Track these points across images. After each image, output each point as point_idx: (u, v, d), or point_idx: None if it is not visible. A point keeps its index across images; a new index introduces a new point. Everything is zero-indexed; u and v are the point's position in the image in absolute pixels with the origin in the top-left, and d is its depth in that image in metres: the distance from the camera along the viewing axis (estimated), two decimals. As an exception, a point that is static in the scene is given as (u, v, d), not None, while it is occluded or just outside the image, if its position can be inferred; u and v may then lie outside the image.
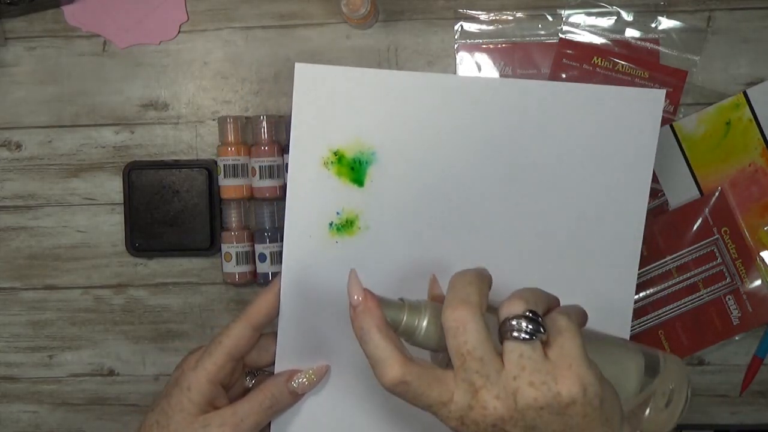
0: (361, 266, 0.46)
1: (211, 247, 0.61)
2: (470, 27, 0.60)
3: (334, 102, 0.47)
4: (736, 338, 0.59)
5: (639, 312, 0.59)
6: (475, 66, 0.60)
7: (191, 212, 0.61)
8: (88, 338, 0.64)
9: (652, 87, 0.58)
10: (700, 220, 0.59)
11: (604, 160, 0.48)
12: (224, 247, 0.60)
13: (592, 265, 0.49)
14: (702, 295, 0.59)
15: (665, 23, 0.59)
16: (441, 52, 0.61)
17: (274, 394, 0.46)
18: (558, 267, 0.49)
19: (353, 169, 0.47)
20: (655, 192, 0.59)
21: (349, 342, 0.47)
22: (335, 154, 0.47)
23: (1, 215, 0.64)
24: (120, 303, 0.63)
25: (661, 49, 0.59)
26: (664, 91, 0.49)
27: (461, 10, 0.60)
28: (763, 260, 0.58)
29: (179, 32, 0.62)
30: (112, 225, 0.63)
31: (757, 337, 0.60)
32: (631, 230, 0.49)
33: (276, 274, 0.52)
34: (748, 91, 0.58)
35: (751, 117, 0.58)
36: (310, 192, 0.47)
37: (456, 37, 0.60)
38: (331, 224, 0.47)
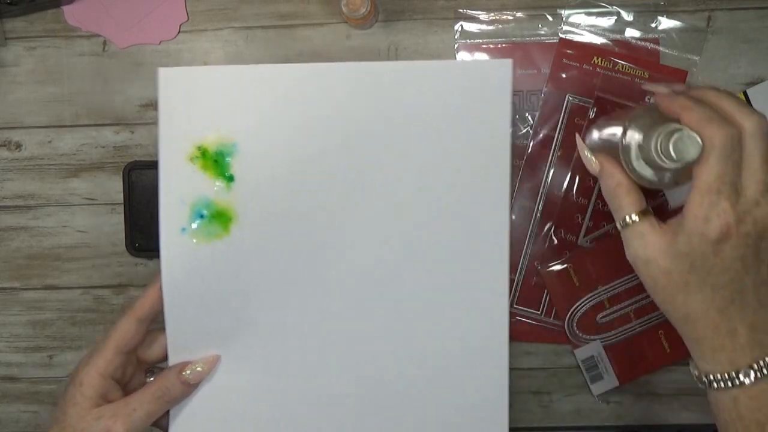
0: (236, 255, 0.49)
1: (211, 247, 0.61)
2: (470, 27, 0.60)
3: (196, 100, 0.49)
4: (736, 338, 0.59)
5: (640, 311, 0.59)
6: (475, 66, 0.60)
7: (191, 212, 0.61)
8: (88, 338, 0.64)
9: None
10: (700, 220, 0.59)
11: (461, 134, 0.49)
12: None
13: (460, 245, 0.50)
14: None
15: (665, 23, 0.59)
16: (441, 52, 0.61)
17: (166, 385, 0.48)
18: (426, 239, 0.50)
19: (217, 162, 0.49)
20: (655, 192, 0.59)
21: (238, 330, 0.50)
22: (199, 149, 0.49)
23: (1, 215, 0.64)
24: (120, 303, 0.63)
25: (661, 49, 0.59)
26: (510, 61, 0.49)
27: (461, 10, 0.60)
28: (763, 260, 0.58)
29: (179, 32, 0.62)
30: (112, 225, 0.63)
31: (757, 337, 0.60)
32: (497, 200, 0.50)
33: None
34: (748, 91, 0.58)
35: (751, 117, 0.58)
36: (179, 188, 0.49)
37: (456, 37, 0.60)
38: (203, 216, 0.49)
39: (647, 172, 0.45)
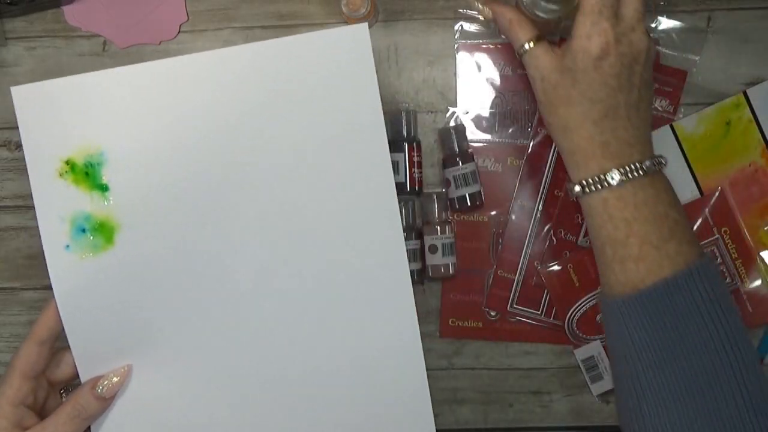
0: (126, 265, 0.48)
1: (210, 247, 0.61)
2: (470, 27, 0.60)
3: (56, 114, 0.48)
4: (736, 338, 0.59)
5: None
6: (475, 66, 0.60)
7: (191, 212, 0.61)
8: (88, 338, 0.64)
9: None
10: (700, 220, 0.59)
11: (333, 106, 0.49)
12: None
13: (351, 222, 0.50)
14: (702, 295, 0.59)
15: (665, 23, 0.59)
16: (441, 52, 0.61)
17: (81, 403, 0.48)
18: (315, 224, 0.50)
19: (88, 174, 0.48)
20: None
21: (143, 338, 0.49)
22: (66, 163, 0.49)
23: (1, 215, 0.64)
24: (120, 303, 0.63)
25: (661, 49, 0.59)
26: (365, 24, 0.49)
27: (461, 10, 0.60)
28: (763, 260, 0.58)
29: (179, 32, 0.62)
30: (112, 225, 0.63)
31: (757, 337, 0.60)
32: (379, 169, 0.49)
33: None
34: (748, 91, 0.58)
35: (751, 117, 0.58)
36: (55, 205, 0.48)
37: (456, 37, 0.60)
38: (84, 230, 0.49)
39: (540, 9, 0.52)
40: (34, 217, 0.63)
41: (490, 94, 0.60)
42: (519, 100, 0.60)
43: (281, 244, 0.49)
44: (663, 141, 0.59)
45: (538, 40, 0.49)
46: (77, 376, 0.51)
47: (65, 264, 0.48)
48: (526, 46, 0.49)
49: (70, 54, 0.62)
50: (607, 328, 0.48)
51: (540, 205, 0.59)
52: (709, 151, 0.59)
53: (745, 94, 0.58)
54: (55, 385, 0.51)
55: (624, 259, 0.46)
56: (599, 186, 0.47)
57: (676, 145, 0.59)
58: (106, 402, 0.49)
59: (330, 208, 0.49)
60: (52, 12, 0.62)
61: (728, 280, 0.58)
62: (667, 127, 0.59)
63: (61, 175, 0.48)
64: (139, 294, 0.49)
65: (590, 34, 0.46)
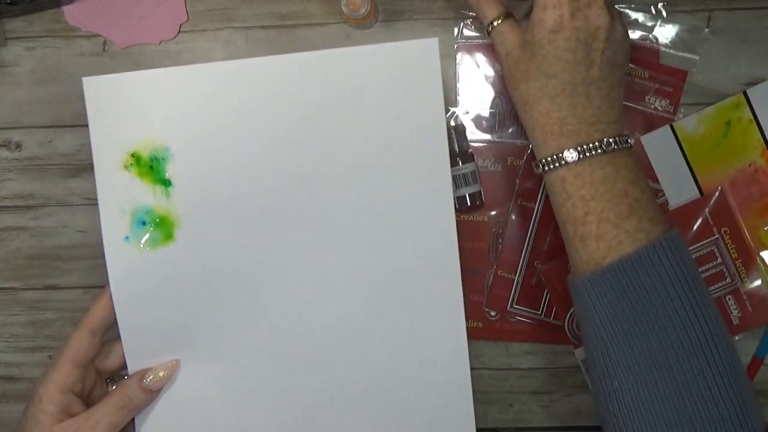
0: (184, 260, 0.48)
1: (211, 247, 0.61)
2: (470, 27, 0.60)
3: (125, 107, 0.49)
4: (736, 338, 0.59)
5: (639, 312, 0.59)
6: (475, 66, 0.60)
7: (191, 212, 0.61)
8: (88, 338, 0.64)
9: (652, 86, 0.58)
10: (700, 220, 0.59)
11: (397, 116, 0.49)
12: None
13: (408, 228, 0.50)
14: (702, 295, 0.59)
15: (665, 23, 0.59)
16: (441, 52, 0.60)
17: (128, 394, 0.48)
18: (374, 227, 0.50)
19: (152, 167, 0.49)
20: (655, 192, 0.59)
21: (195, 334, 0.50)
22: (132, 155, 0.49)
23: (1, 215, 0.64)
24: (120, 303, 0.63)
25: (661, 49, 0.59)
26: (436, 39, 0.50)
27: (461, 11, 0.60)
28: (763, 260, 0.58)
29: (179, 32, 0.62)
30: (112, 225, 0.63)
31: (757, 337, 0.60)
32: (439, 182, 0.50)
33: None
34: (748, 91, 0.58)
35: (751, 117, 0.58)
36: (117, 197, 0.49)
37: (456, 37, 0.60)
38: (144, 223, 0.49)
39: None
40: (35, 217, 0.63)
41: (490, 94, 0.60)
42: (519, 100, 0.60)
43: (337, 247, 0.50)
44: (663, 141, 0.59)
45: (505, 17, 0.50)
46: (125, 367, 0.51)
47: (123, 255, 0.49)
48: (495, 23, 0.50)
49: (70, 54, 0.62)
50: (576, 308, 0.48)
51: (540, 205, 0.59)
52: (709, 151, 0.59)
53: (745, 94, 0.58)
54: (103, 374, 0.51)
55: (584, 237, 0.46)
56: (557, 164, 0.47)
57: (676, 145, 0.59)
58: (152, 395, 0.49)
59: (387, 215, 0.50)
60: (52, 12, 0.62)
61: (728, 280, 0.58)
62: (667, 127, 0.59)
63: (125, 167, 0.49)
64: (193, 290, 0.49)
65: (546, 5, 0.47)
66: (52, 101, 0.62)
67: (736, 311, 0.59)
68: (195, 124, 0.49)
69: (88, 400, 0.49)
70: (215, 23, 0.62)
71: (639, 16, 0.59)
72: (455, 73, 0.60)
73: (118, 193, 0.49)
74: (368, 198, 0.50)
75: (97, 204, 0.62)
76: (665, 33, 0.59)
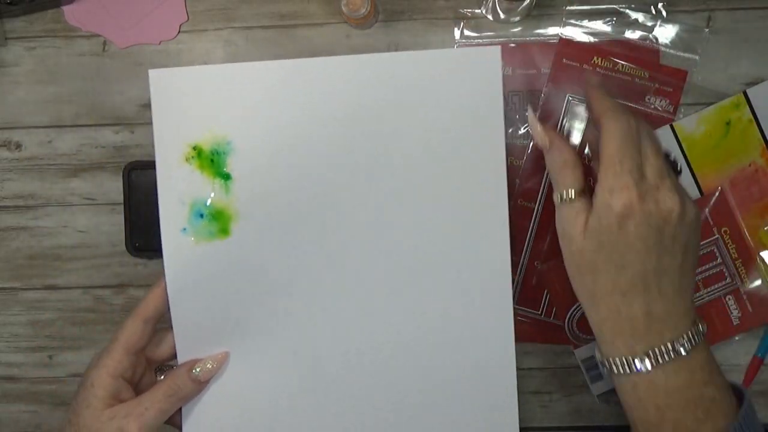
0: (239, 254, 0.49)
1: (211, 247, 0.61)
2: (470, 27, 0.60)
3: (188, 100, 0.49)
4: (736, 338, 0.59)
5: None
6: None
7: (191, 212, 0.61)
8: (88, 338, 0.64)
9: (652, 86, 0.58)
10: (700, 220, 0.59)
11: (455, 122, 0.49)
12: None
13: (461, 233, 0.50)
14: (702, 295, 0.59)
15: (665, 23, 0.59)
16: (441, 52, 0.61)
17: (177, 383, 0.49)
18: (427, 227, 0.50)
19: (213, 161, 0.49)
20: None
21: (245, 327, 0.50)
22: (194, 148, 0.49)
23: (1, 215, 0.64)
24: (120, 303, 0.63)
25: (661, 49, 0.59)
26: (498, 48, 0.50)
27: (461, 10, 0.60)
28: (763, 260, 0.58)
29: (179, 32, 0.62)
30: (112, 225, 0.63)
31: (757, 337, 0.60)
32: (495, 195, 0.50)
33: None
34: (748, 91, 0.58)
35: (751, 117, 0.58)
36: (177, 188, 0.49)
37: (456, 36, 0.60)
38: (202, 215, 0.50)
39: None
40: (35, 217, 0.63)
41: (490, 94, 0.60)
42: (519, 100, 0.60)
43: (390, 247, 0.50)
44: (663, 141, 0.59)
45: (582, 193, 0.46)
46: (174, 357, 0.51)
47: (179, 246, 0.49)
48: (567, 194, 0.46)
49: (70, 54, 0.62)
50: None
51: (540, 205, 0.59)
52: (709, 151, 0.59)
53: (745, 94, 0.58)
54: (152, 363, 0.52)
55: None
56: (628, 370, 0.44)
57: (676, 145, 0.59)
58: (200, 385, 0.50)
59: (440, 218, 0.50)
60: (52, 12, 0.62)
61: (728, 280, 0.58)
62: (667, 127, 0.59)
63: (187, 159, 0.49)
64: (245, 285, 0.50)
65: (612, 187, 0.43)
66: (52, 101, 0.62)
67: (736, 311, 0.59)
68: (258, 120, 0.49)
69: (137, 388, 0.50)
70: (215, 23, 0.62)
71: (639, 16, 0.59)
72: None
73: (177, 185, 0.49)
74: (423, 201, 0.50)
75: (96, 204, 0.63)
76: (665, 33, 0.59)
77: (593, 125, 0.47)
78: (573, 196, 0.45)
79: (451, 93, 0.49)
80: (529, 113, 0.49)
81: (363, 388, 0.51)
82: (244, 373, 0.51)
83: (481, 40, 0.60)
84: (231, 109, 0.49)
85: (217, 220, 0.49)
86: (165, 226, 0.50)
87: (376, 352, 0.51)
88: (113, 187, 0.62)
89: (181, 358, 0.51)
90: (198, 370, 0.50)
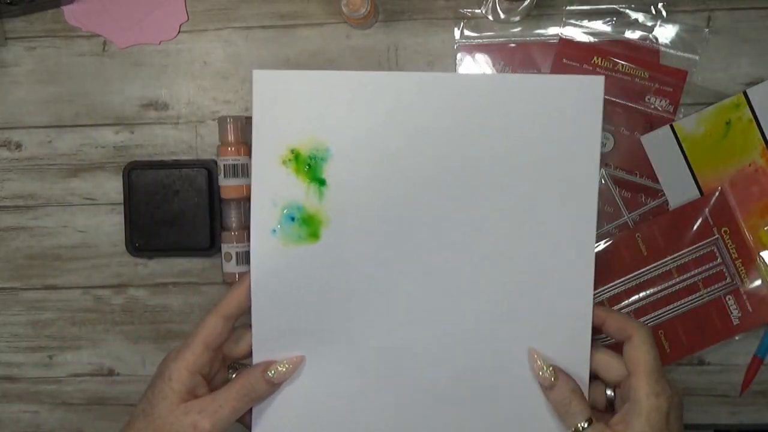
0: (325, 260, 0.49)
1: (211, 247, 0.61)
2: (470, 27, 0.60)
3: (290, 103, 0.49)
4: (736, 338, 0.59)
5: (639, 312, 0.59)
6: (475, 66, 0.60)
7: (191, 212, 0.61)
8: (88, 338, 0.64)
9: (652, 86, 0.58)
10: (700, 220, 0.59)
11: (551, 149, 0.50)
12: (224, 247, 0.60)
13: (546, 261, 0.50)
14: (702, 295, 0.59)
15: (665, 23, 0.59)
16: (441, 52, 0.61)
17: (251, 383, 0.49)
18: (514, 247, 0.50)
19: (310, 166, 0.49)
20: (655, 192, 0.59)
21: (324, 333, 0.50)
22: (292, 152, 0.49)
23: (1, 215, 0.64)
24: (120, 303, 0.63)
25: (661, 49, 0.59)
26: (602, 78, 0.49)
27: (461, 10, 0.60)
28: (763, 260, 0.58)
29: (179, 32, 0.62)
30: (112, 225, 0.63)
31: (757, 337, 0.60)
32: (583, 221, 0.50)
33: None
34: (748, 91, 0.58)
35: (751, 117, 0.58)
36: (271, 190, 0.49)
37: (456, 36, 0.60)
38: (293, 219, 0.49)
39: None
40: (35, 217, 0.63)
41: (490, 94, 0.60)
42: (519, 100, 0.60)
43: (476, 266, 0.50)
44: (663, 141, 0.59)
45: (593, 420, 0.47)
46: (249, 355, 0.51)
47: (268, 247, 0.49)
48: (581, 425, 0.47)
49: (70, 54, 0.62)
50: None
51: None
52: (709, 151, 0.59)
53: (745, 94, 0.58)
54: (228, 359, 0.52)
55: None
56: None
57: (676, 145, 0.59)
58: (274, 387, 0.50)
59: (526, 241, 0.50)
60: (52, 12, 0.62)
61: (728, 280, 0.58)
62: (667, 127, 0.59)
63: (284, 162, 0.49)
64: (329, 291, 0.50)
65: (658, 392, 0.46)
66: (52, 101, 0.62)
67: (736, 311, 0.59)
68: (358, 129, 0.49)
69: (210, 384, 0.50)
70: (215, 23, 0.62)
71: (639, 16, 0.59)
72: (456, 71, 0.60)
73: (272, 186, 0.49)
74: (511, 222, 0.50)
75: (96, 204, 0.63)
76: (665, 33, 0.59)
77: (618, 339, 0.49)
78: (586, 425, 0.47)
79: (550, 118, 0.49)
80: (530, 350, 0.50)
81: (440, 399, 0.51)
82: (319, 377, 0.51)
83: (481, 41, 0.60)
84: (332, 115, 0.49)
85: (308, 225, 0.49)
86: (255, 226, 0.49)
87: (458, 365, 0.51)
88: (113, 187, 0.62)
89: (257, 358, 0.50)
90: (273, 372, 0.49)
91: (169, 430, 0.47)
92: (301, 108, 0.49)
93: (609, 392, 0.50)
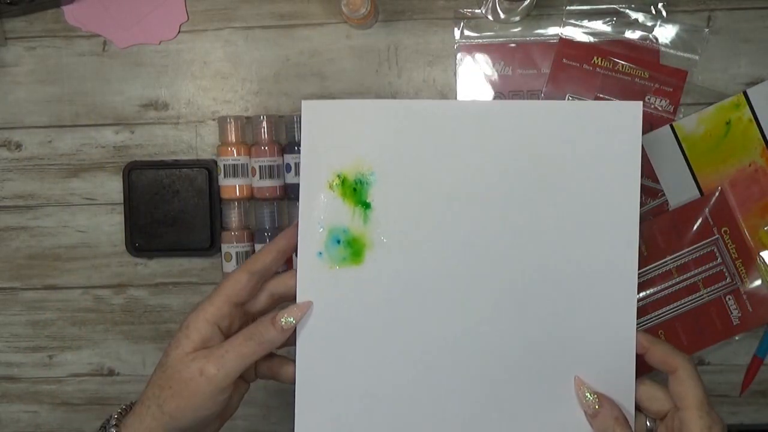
0: (368, 282, 0.50)
1: (211, 247, 0.61)
2: (470, 27, 0.60)
3: (336, 131, 0.51)
4: (736, 338, 0.59)
5: (639, 312, 0.58)
6: (475, 66, 0.60)
7: (191, 212, 0.61)
8: (88, 338, 0.64)
9: (652, 86, 0.58)
10: (700, 220, 0.59)
11: (593, 175, 0.50)
12: (224, 247, 0.60)
13: (589, 286, 0.50)
14: (702, 295, 0.59)
15: (665, 23, 0.59)
16: (441, 52, 0.61)
17: (258, 328, 0.49)
18: (556, 271, 0.50)
19: (355, 190, 0.51)
20: (655, 192, 0.59)
21: (365, 355, 0.51)
22: (339, 176, 0.51)
23: (1, 215, 0.64)
24: (120, 303, 0.63)
25: (661, 49, 0.59)
26: (640, 103, 0.50)
27: (461, 10, 0.60)
28: (763, 260, 0.58)
29: (179, 32, 0.62)
30: (112, 225, 0.63)
31: (757, 337, 0.60)
32: (625, 249, 0.50)
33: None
34: (748, 91, 0.58)
35: (751, 117, 0.58)
36: (318, 213, 0.51)
37: (456, 36, 0.60)
38: (339, 241, 0.51)
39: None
40: (35, 217, 0.63)
41: (490, 94, 0.60)
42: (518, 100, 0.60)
43: (517, 293, 0.50)
44: (663, 141, 0.59)
45: None
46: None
47: (313, 269, 0.51)
48: None
49: (70, 54, 0.62)
50: None
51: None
52: (709, 151, 0.59)
53: (745, 94, 0.58)
54: (250, 320, 0.52)
55: None
56: None
57: (676, 145, 0.59)
58: (282, 333, 0.49)
59: (571, 267, 0.50)
60: (52, 12, 0.62)
61: (728, 280, 0.58)
62: (667, 127, 0.59)
63: (330, 186, 0.51)
64: (371, 313, 0.51)
65: (710, 425, 0.46)
66: (52, 101, 0.62)
67: (736, 311, 0.59)
68: (402, 155, 0.51)
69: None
70: (215, 23, 0.62)
71: (639, 16, 0.59)
72: (455, 73, 0.61)
73: (319, 209, 0.51)
74: (554, 246, 0.50)
75: (96, 204, 0.63)
76: (665, 33, 0.59)
77: (661, 370, 0.48)
78: None
79: (591, 144, 0.50)
80: (576, 377, 0.50)
81: (484, 425, 0.51)
82: (359, 396, 0.51)
83: (481, 41, 0.60)
84: (378, 142, 0.51)
85: (352, 247, 0.51)
86: (303, 247, 0.51)
87: (501, 390, 0.51)
88: (113, 187, 0.62)
89: (300, 377, 0.51)
90: (283, 318, 0.50)
91: (178, 378, 0.47)
92: (346, 135, 0.51)
93: (649, 423, 0.49)
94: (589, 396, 0.49)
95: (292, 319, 0.50)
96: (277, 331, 0.49)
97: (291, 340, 0.51)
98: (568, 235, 0.50)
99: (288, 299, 0.51)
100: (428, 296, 0.51)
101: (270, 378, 0.53)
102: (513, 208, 0.51)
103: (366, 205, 0.51)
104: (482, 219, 0.51)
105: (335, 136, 0.51)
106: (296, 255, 0.51)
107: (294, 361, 0.51)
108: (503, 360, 0.51)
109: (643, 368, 0.49)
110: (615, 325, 0.50)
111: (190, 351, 0.48)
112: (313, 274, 0.51)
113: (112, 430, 0.47)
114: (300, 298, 0.51)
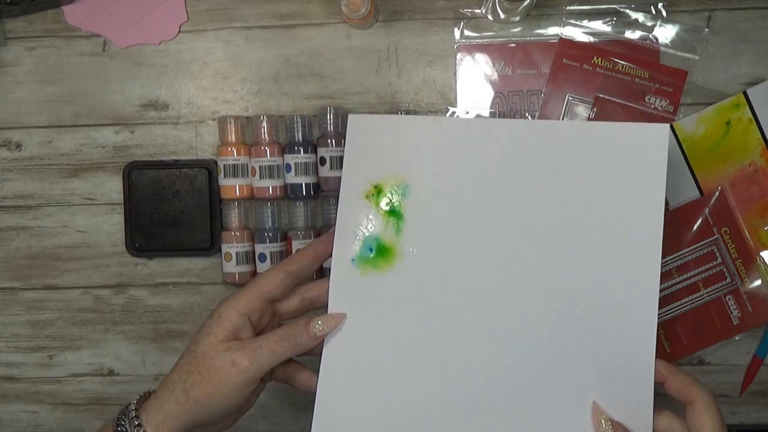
0: (396, 290, 0.52)
1: (211, 247, 0.61)
2: (470, 27, 0.60)
3: (376, 143, 0.53)
4: (736, 338, 0.59)
5: (639, 312, 0.59)
6: (475, 66, 0.60)
7: (191, 212, 0.61)
8: (88, 338, 0.64)
9: (652, 86, 0.58)
10: (700, 220, 0.59)
11: (618, 195, 0.51)
12: (224, 247, 0.60)
13: (611, 311, 0.51)
14: (702, 295, 0.59)
15: (665, 23, 0.59)
16: (441, 52, 0.61)
17: (293, 330, 0.50)
18: (579, 307, 0.51)
19: (390, 201, 0.53)
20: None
21: (390, 363, 0.52)
22: (375, 187, 0.53)
23: (1, 215, 0.64)
24: (120, 303, 0.63)
25: (661, 49, 0.59)
26: (668, 126, 0.51)
27: (461, 10, 0.60)
28: (763, 260, 0.58)
29: (179, 32, 0.62)
30: (112, 225, 0.63)
31: (757, 337, 0.60)
32: (647, 278, 0.50)
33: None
34: (748, 91, 0.58)
35: (751, 117, 0.58)
36: (353, 221, 0.53)
37: (456, 36, 0.60)
38: (371, 249, 0.52)
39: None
40: (35, 217, 0.63)
41: (490, 94, 0.60)
42: (519, 100, 0.60)
43: (541, 310, 0.51)
44: (663, 141, 0.59)
45: None
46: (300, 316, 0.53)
47: (346, 275, 0.52)
48: None
49: (70, 54, 0.62)
50: None
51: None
52: (709, 151, 0.59)
53: (745, 94, 0.58)
54: (277, 317, 0.53)
55: None
56: None
57: (676, 145, 0.59)
58: (314, 339, 0.51)
59: (593, 287, 0.51)
60: (52, 12, 0.62)
61: (728, 280, 0.58)
62: (667, 126, 0.58)
63: (367, 196, 0.53)
64: (399, 320, 0.52)
65: (722, 426, 0.47)
66: (52, 101, 0.62)
67: (736, 311, 0.59)
68: (436, 169, 0.53)
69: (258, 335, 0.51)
70: (215, 23, 0.62)
71: (639, 16, 0.59)
72: (455, 73, 0.61)
73: (355, 218, 0.53)
74: (578, 265, 0.51)
75: (96, 204, 0.63)
76: (665, 33, 0.59)
77: (679, 399, 0.48)
78: None
79: (617, 164, 0.51)
80: (594, 405, 0.49)
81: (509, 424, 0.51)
82: (384, 398, 0.52)
83: (481, 41, 0.60)
84: (414, 156, 0.53)
85: (384, 256, 0.52)
86: (337, 254, 0.52)
87: (517, 411, 0.51)
88: (113, 187, 0.63)
89: (324, 376, 0.51)
90: (315, 325, 0.51)
91: (209, 365, 0.47)
92: (385, 148, 0.53)
93: None
94: (604, 424, 0.49)
95: (325, 327, 0.51)
96: (309, 336, 0.50)
97: (316, 350, 0.52)
98: (592, 257, 0.51)
99: (318, 305, 0.53)
100: (453, 308, 0.52)
101: (284, 382, 0.53)
102: (540, 226, 0.51)
103: (399, 216, 0.53)
104: (509, 236, 0.52)
105: (375, 148, 0.53)
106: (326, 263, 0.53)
107: (308, 368, 0.52)
108: (524, 378, 0.51)
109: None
110: (635, 353, 0.50)
111: (222, 339, 0.48)
112: (346, 280, 0.52)
113: (132, 413, 0.47)
114: (332, 302, 0.52)
